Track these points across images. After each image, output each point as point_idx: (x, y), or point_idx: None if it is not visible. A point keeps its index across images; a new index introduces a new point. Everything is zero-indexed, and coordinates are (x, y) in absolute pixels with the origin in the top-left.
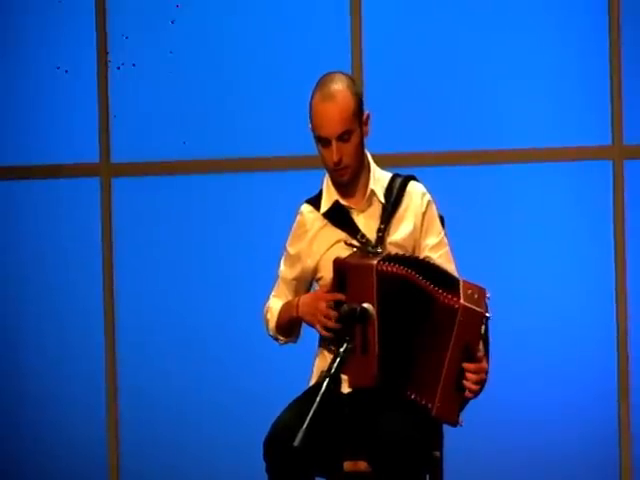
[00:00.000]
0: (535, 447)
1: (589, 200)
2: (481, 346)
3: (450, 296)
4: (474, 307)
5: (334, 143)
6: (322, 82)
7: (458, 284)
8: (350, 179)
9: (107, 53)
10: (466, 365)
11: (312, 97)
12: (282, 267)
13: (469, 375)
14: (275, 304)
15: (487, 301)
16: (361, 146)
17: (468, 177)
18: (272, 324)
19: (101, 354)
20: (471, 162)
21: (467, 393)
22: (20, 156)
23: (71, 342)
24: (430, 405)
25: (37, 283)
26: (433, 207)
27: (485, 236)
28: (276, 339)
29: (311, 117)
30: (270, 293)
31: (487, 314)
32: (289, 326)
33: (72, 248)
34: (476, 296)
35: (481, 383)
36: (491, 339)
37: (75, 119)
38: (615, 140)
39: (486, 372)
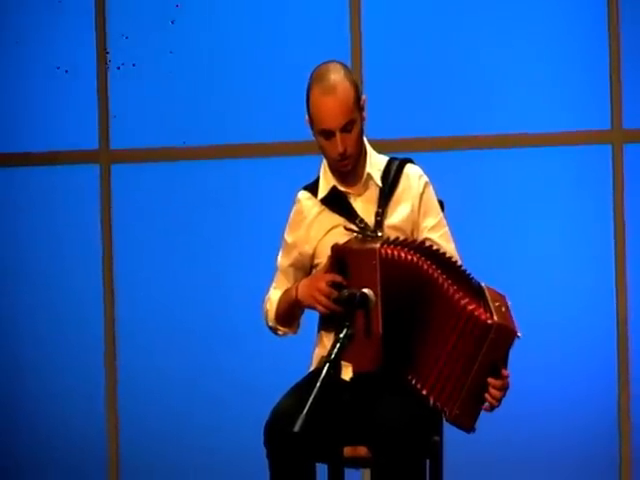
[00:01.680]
0: (535, 437)
1: (589, 184)
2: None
3: (480, 309)
4: (508, 325)
5: (338, 135)
6: (318, 74)
7: (483, 293)
8: (353, 168)
9: (107, 53)
10: (492, 381)
11: (310, 90)
12: (279, 258)
13: (492, 391)
14: (274, 295)
15: (512, 311)
16: (362, 133)
17: (467, 162)
18: (271, 314)
19: (100, 345)
20: (470, 147)
21: (485, 406)
22: (18, 143)
23: (69, 333)
24: (447, 410)
25: (35, 272)
26: (430, 188)
27: (484, 221)
28: (275, 330)
29: (311, 111)
30: (270, 286)
31: (519, 333)
32: (289, 314)
33: (71, 236)
34: (503, 309)
35: (501, 400)
36: None
37: (74, 107)
38: (614, 124)
39: (508, 387)
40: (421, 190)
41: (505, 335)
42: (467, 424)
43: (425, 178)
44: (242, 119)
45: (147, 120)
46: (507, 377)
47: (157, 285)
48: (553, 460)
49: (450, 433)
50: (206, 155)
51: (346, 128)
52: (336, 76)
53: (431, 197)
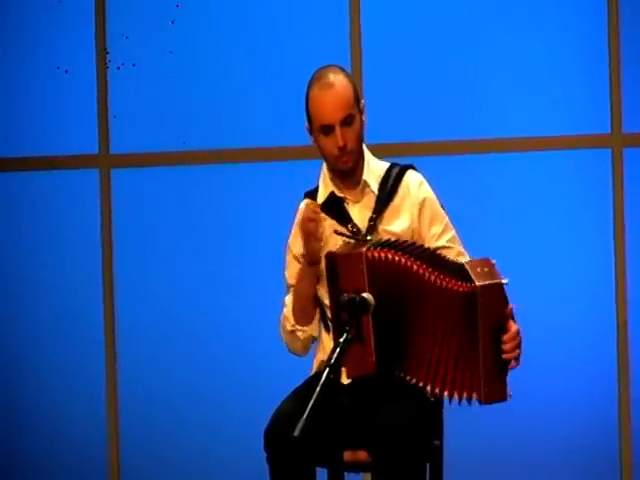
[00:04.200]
0: (535, 441)
1: (588, 188)
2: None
3: (461, 282)
4: (490, 282)
5: (338, 128)
6: (317, 75)
7: (464, 268)
8: (353, 166)
9: (107, 53)
10: (503, 339)
11: (309, 90)
12: (287, 273)
13: (506, 347)
14: (287, 299)
15: (497, 268)
16: (362, 132)
17: (467, 166)
18: (289, 314)
19: (100, 348)
20: (470, 151)
21: (512, 364)
22: (18, 147)
23: (70, 337)
24: (476, 395)
25: (36, 276)
26: (431, 196)
27: (484, 225)
28: (294, 340)
29: (310, 109)
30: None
31: (504, 280)
32: (305, 302)
33: (71, 240)
34: (486, 269)
35: (519, 346)
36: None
37: (74, 111)
38: (614, 128)
39: (519, 332)
40: (420, 199)
41: (492, 291)
42: (500, 396)
43: (426, 185)
44: (242, 123)
45: (147, 121)
46: (516, 330)
47: (157, 289)
48: (554, 464)
49: (450, 437)
50: (206, 159)
51: (346, 121)
52: (334, 73)
53: (433, 205)
